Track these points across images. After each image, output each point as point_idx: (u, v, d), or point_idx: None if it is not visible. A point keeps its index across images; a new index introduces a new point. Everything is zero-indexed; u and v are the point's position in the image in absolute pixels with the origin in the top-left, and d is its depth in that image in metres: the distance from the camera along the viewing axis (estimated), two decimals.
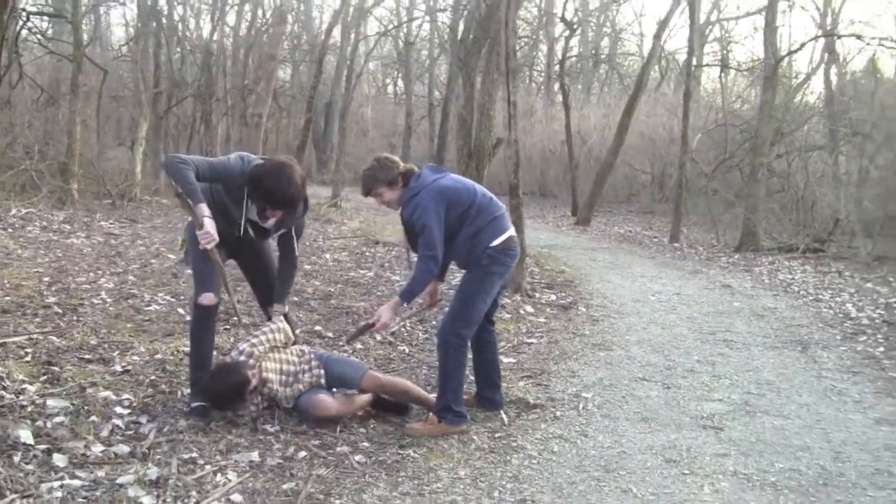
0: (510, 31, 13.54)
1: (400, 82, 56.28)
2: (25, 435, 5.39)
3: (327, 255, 15.91)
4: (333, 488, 5.26)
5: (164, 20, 31.15)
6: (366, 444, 6.09)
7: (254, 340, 6.56)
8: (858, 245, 19.69)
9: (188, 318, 9.48)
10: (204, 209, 5.99)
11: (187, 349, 7.82)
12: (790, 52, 27.47)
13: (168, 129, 31.06)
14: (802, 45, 30.39)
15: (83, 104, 22.78)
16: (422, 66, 49.92)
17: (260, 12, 36.23)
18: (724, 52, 39.61)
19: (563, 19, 34.51)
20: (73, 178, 21.24)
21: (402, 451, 5.98)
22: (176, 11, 33.35)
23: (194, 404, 6.32)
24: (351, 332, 8.17)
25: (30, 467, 5.08)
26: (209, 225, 5.96)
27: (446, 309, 7.12)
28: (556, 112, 39.25)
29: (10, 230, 15.61)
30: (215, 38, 33.12)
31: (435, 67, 47.65)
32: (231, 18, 35.35)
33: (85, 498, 4.81)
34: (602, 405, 7.38)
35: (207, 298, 6.51)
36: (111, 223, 18.57)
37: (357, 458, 5.79)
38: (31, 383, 6.51)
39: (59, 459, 5.21)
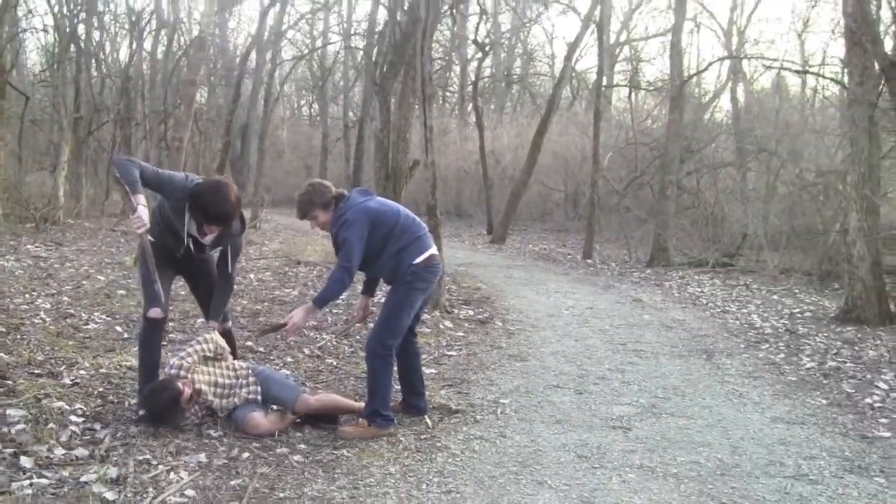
0: (425, 59, 14.08)
1: (315, 104, 56.52)
2: None
3: (252, 276, 16.34)
4: (276, 484, 5.75)
5: (82, 45, 31.24)
6: (302, 445, 6.59)
7: (182, 354, 6.97)
8: (766, 258, 20.44)
9: (125, 335, 9.99)
10: (140, 198, 6.42)
11: (129, 364, 8.39)
12: (695, 74, 28.39)
13: (89, 154, 31.10)
14: (708, 65, 31.11)
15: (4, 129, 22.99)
16: (336, 88, 50.15)
17: (177, 37, 36.44)
18: (634, 72, 40.48)
19: (475, 42, 34.90)
20: None
21: (336, 452, 6.48)
22: (93, 37, 33.46)
23: (142, 412, 6.77)
24: (262, 327, 8.97)
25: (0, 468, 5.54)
26: (142, 211, 6.39)
27: (371, 324, 7.74)
28: (469, 132, 39.69)
29: None
30: (133, 62, 33.21)
31: (350, 90, 47.95)
32: (147, 43, 35.48)
33: (54, 494, 5.26)
34: (519, 410, 7.90)
35: (155, 312, 6.92)
36: (37, 246, 18.83)
37: (296, 458, 6.28)
38: None
39: (25, 461, 5.65)
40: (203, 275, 7.52)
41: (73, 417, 6.69)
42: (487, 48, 37.52)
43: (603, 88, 28.84)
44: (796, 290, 17.54)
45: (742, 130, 27.43)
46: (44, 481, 5.41)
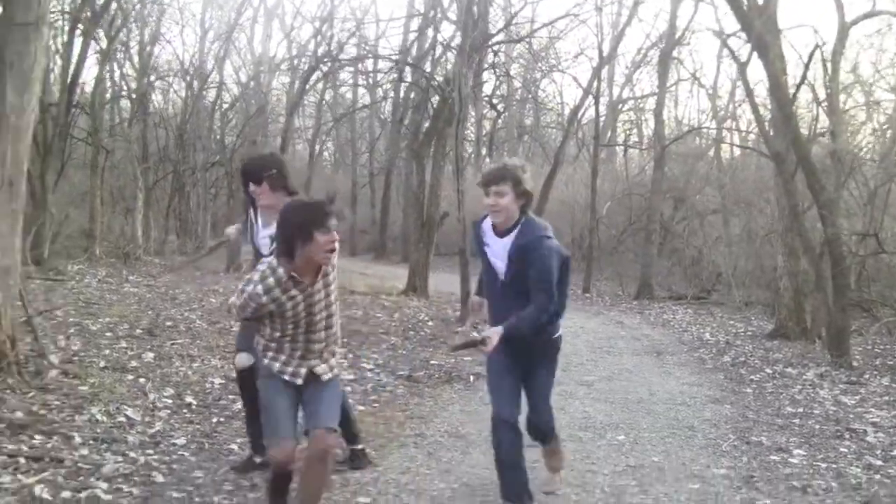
0: (459, 142, 18.68)
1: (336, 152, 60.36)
2: None
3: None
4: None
5: (147, 106, 35.13)
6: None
7: None
8: (734, 293, 24.77)
9: None
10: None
11: None
12: (674, 139, 32.51)
13: (156, 198, 34.67)
14: (687, 132, 34.84)
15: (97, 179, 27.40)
16: (363, 139, 54.21)
17: (226, 95, 40.20)
18: (631, 128, 44.72)
19: (489, 103, 37.88)
20: (95, 241, 25.95)
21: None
22: (154, 97, 37.22)
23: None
24: (456, 343, 9.50)
25: None
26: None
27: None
28: None
29: (75, 282, 19.56)
30: (188, 118, 36.78)
31: (375, 142, 51.28)
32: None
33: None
34: None
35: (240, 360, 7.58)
36: (137, 278, 22.28)
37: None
38: None
39: None
40: None
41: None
42: (501, 107, 40.94)
43: (599, 149, 32.99)
44: (751, 317, 21.96)
45: (724, 183, 31.47)
46: None
